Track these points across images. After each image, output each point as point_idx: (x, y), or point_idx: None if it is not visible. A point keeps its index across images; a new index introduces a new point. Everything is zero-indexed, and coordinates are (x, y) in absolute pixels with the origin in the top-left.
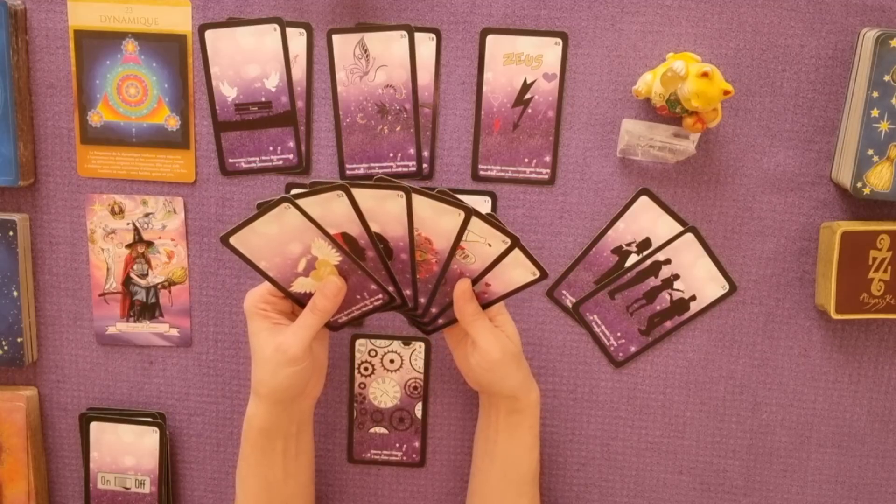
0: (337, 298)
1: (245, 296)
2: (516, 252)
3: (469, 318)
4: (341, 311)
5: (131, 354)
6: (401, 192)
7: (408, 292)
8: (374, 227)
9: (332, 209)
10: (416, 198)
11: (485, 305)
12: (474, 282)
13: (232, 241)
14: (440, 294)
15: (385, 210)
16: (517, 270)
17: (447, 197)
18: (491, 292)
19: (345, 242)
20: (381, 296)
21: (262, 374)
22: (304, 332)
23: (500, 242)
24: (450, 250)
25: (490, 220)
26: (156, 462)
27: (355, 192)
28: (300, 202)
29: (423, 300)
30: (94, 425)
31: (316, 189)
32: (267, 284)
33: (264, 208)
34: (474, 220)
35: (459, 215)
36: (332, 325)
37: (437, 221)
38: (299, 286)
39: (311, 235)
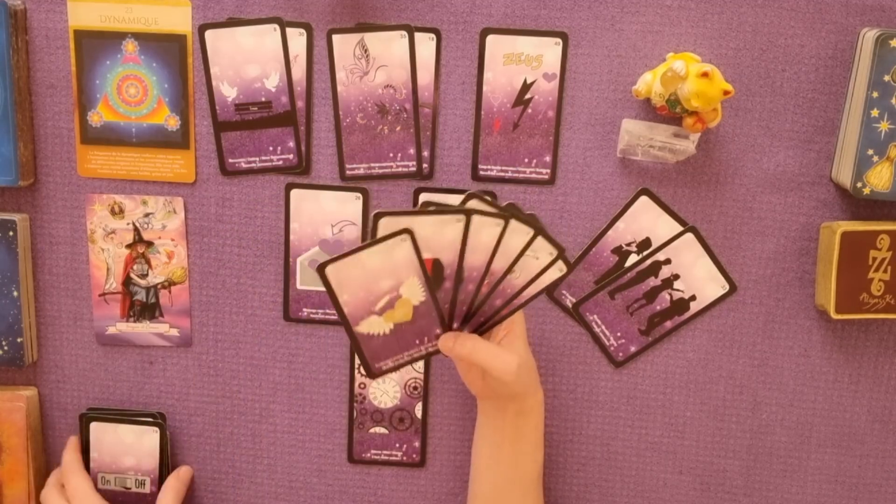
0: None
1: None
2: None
3: (468, 355)
4: (390, 356)
5: (131, 354)
6: (500, 221)
7: (456, 326)
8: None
9: (444, 232)
10: (493, 220)
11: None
12: (514, 296)
13: (328, 270)
14: (487, 307)
15: (478, 238)
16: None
17: (518, 212)
18: (521, 297)
19: (432, 269)
20: (437, 343)
21: None
22: None
23: (547, 255)
24: (507, 268)
25: (544, 231)
26: (156, 462)
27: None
28: (420, 220)
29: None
30: (94, 425)
31: (441, 209)
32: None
33: (381, 237)
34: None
35: (528, 233)
36: (373, 373)
37: (505, 240)
38: (367, 326)
39: (408, 272)
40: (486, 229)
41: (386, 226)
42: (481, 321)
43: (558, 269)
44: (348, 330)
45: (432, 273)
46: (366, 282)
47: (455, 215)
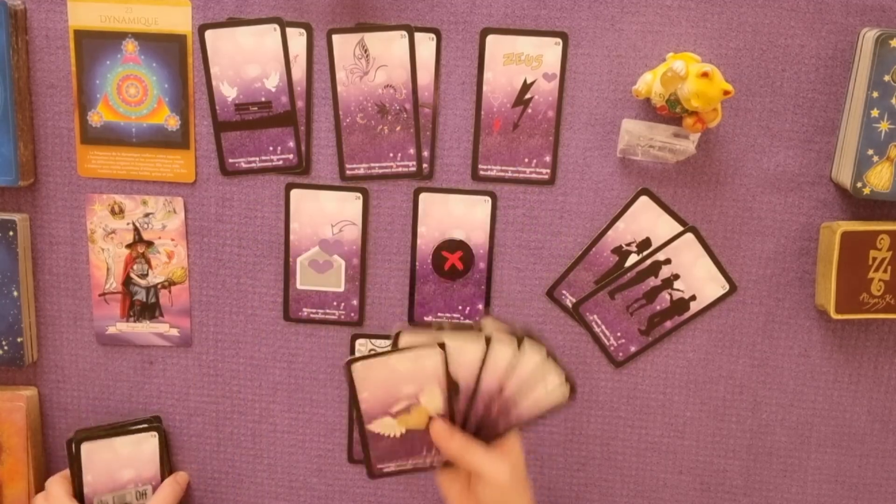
0: None
1: None
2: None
3: (459, 453)
4: (394, 459)
5: (131, 354)
6: (514, 340)
7: None
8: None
9: (464, 352)
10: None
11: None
12: (518, 420)
13: (355, 367)
14: (490, 426)
15: (494, 359)
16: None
17: (531, 335)
18: (517, 418)
19: (449, 388)
20: (441, 456)
21: None
22: None
23: (554, 383)
24: (517, 394)
25: (554, 354)
26: (157, 467)
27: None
28: (449, 340)
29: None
30: (85, 447)
31: (460, 328)
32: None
33: (415, 346)
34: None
35: (540, 357)
36: (373, 473)
37: (518, 363)
38: (379, 426)
39: (432, 381)
40: (501, 349)
41: (407, 340)
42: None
43: (562, 395)
44: (360, 426)
45: (448, 389)
46: (389, 384)
47: (476, 335)
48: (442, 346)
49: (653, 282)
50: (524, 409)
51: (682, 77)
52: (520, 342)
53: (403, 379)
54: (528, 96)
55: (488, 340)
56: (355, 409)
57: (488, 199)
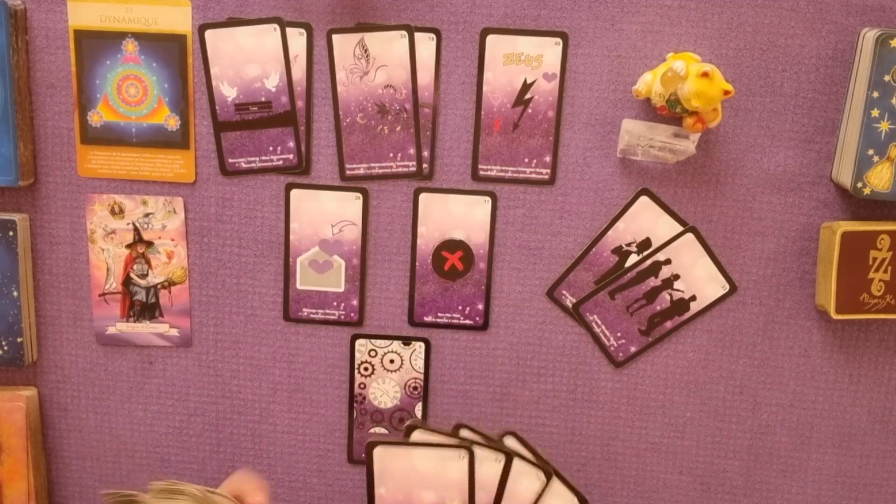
0: None
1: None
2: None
3: None
4: None
5: (131, 354)
6: (540, 474)
7: None
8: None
9: (482, 465)
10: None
11: None
12: None
13: (377, 451)
14: None
15: (517, 487)
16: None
17: (559, 473)
18: None
19: None
20: None
21: None
22: None
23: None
24: None
25: (563, 477)
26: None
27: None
28: (477, 451)
29: None
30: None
31: (494, 444)
32: None
33: (443, 442)
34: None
35: (539, 478)
36: None
37: (513, 485)
38: None
39: (454, 495)
40: (526, 478)
41: (420, 436)
42: None
43: None
44: None
45: None
46: (409, 484)
47: (495, 454)
48: (469, 449)
49: (653, 282)
50: None
51: (682, 77)
52: (548, 477)
53: (424, 482)
54: (528, 96)
55: (509, 457)
56: (369, 500)
57: (488, 199)
